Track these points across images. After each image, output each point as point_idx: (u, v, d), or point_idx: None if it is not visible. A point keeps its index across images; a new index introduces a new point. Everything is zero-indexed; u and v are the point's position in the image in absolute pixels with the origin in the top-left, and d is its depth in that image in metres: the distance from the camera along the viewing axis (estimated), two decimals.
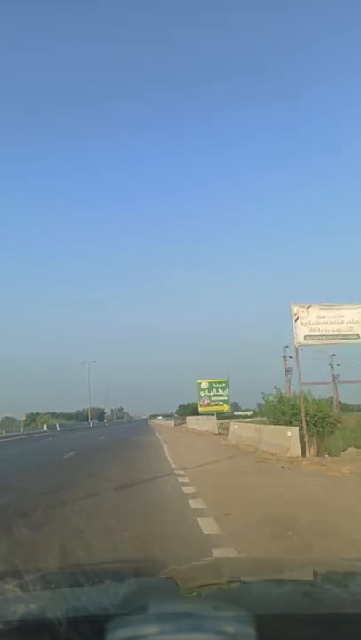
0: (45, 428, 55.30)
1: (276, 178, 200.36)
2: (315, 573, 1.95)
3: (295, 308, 14.01)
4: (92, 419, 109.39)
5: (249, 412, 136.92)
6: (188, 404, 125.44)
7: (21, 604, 1.41)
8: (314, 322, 13.96)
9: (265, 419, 18.89)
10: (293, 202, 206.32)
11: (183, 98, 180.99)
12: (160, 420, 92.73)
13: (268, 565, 2.43)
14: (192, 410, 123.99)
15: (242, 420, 44.93)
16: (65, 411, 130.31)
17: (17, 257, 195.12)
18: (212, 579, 1.78)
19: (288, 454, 11.89)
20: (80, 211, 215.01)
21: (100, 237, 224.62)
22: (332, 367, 23.77)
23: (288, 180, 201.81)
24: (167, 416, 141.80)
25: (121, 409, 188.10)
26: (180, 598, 1.44)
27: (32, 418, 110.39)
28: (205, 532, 5.06)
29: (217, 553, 4.25)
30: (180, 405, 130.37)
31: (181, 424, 53.23)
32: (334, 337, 13.93)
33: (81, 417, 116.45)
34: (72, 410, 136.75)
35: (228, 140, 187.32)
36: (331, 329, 13.96)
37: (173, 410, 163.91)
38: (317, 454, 12.09)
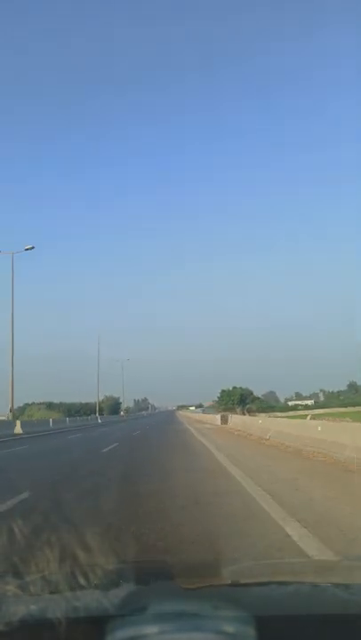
0: None
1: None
2: (315, 573, 1.94)
3: None
4: (99, 411, 78.62)
5: (309, 402, 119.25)
6: (234, 388, 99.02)
7: (22, 604, 1.41)
8: None
9: None
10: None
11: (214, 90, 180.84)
12: (194, 413, 66.50)
13: (268, 566, 2.43)
14: (240, 396, 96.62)
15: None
16: (78, 400, 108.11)
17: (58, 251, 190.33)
18: (212, 579, 1.78)
19: None
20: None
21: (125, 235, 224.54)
22: None
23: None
24: (199, 407, 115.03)
25: (145, 400, 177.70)
26: (180, 598, 1.44)
27: (22, 410, 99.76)
28: None
29: None
30: (223, 390, 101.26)
31: None
32: None
33: (85, 409, 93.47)
34: (90, 399, 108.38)
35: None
36: None
37: (206, 399, 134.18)
38: None
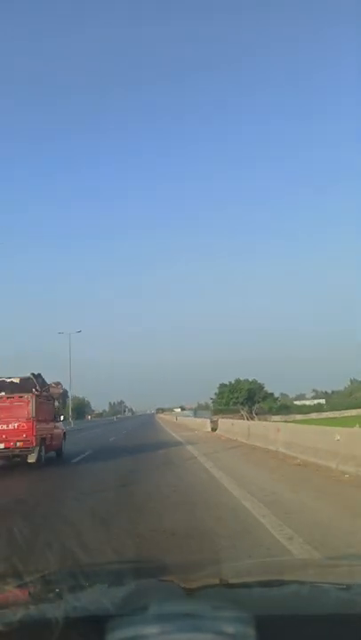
0: None
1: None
2: (315, 573, 1.94)
3: None
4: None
5: (319, 401, 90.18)
6: (238, 381, 72.07)
7: (22, 604, 1.41)
8: None
9: None
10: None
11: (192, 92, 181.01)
12: (185, 417, 46.09)
13: (268, 565, 2.44)
14: (248, 393, 67.62)
15: None
16: None
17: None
18: (212, 579, 1.78)
19: None
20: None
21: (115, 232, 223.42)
22: None
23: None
24: (190, 410, 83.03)
25: (121, 402, 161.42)
26: (180, 598, 1.44)
27: None
28: None
29: None
30: (223, 385, 74.15)
31: None
32: None
33: None
34: None
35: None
36: None
37: (187, 402, 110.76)
38: None
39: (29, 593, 1.57)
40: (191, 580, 1.72)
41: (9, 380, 12.27)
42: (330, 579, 1.75)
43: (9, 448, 11.29)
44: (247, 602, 1.35)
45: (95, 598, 1.49)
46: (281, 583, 1.69)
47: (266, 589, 1.60)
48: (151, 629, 1.05)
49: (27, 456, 11.46)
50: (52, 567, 2.77)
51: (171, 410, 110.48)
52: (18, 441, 11.25)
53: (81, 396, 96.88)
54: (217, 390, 75.30)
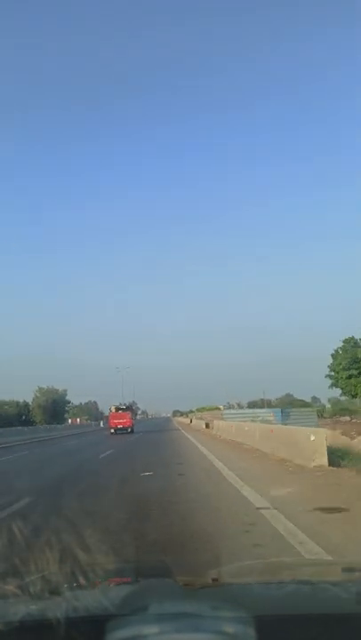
0: None
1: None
2: (315, 573, 1.95)
3: None
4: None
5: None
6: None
7: (22, 604, 1.41)
8: None
9: None
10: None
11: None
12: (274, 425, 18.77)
13: (268, 565, 2.44)
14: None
15: None
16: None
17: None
18: (212, 579, 1.78)
19: None
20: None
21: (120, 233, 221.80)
22: None
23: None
24: (230, 408, 54.78)
25: (133, 404, 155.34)
26: (180, 598, 1.44)
27: None
28: None
29: None
30: (348, 340, 46.00)
31: None
32: None
33: None
34: (19, 396, 71.16)
35: None
36: None
37: (210, 403, 73.23)
38: None
39: (29, 593, 1.57)
40: (191, 580, 1.72)
41: (123, 406, 40.05)
42: (330, 579, 1.75)
43: (124, 427, 36.29)
44: (247, 602, 1.35)
45: (95, 598, 1.49)
46: (281, 583, 1.69)
47: (266, 589, 1.61)
48: (151, 629, 1.05)
49: (127, 429, 35.93)
50: (52, 567, 2.77)
51: (205, 409, 63.11)
52: (126, 424, 36.69)
53: (61, 389, 76.21)
54: (332, 363, 40.91)
